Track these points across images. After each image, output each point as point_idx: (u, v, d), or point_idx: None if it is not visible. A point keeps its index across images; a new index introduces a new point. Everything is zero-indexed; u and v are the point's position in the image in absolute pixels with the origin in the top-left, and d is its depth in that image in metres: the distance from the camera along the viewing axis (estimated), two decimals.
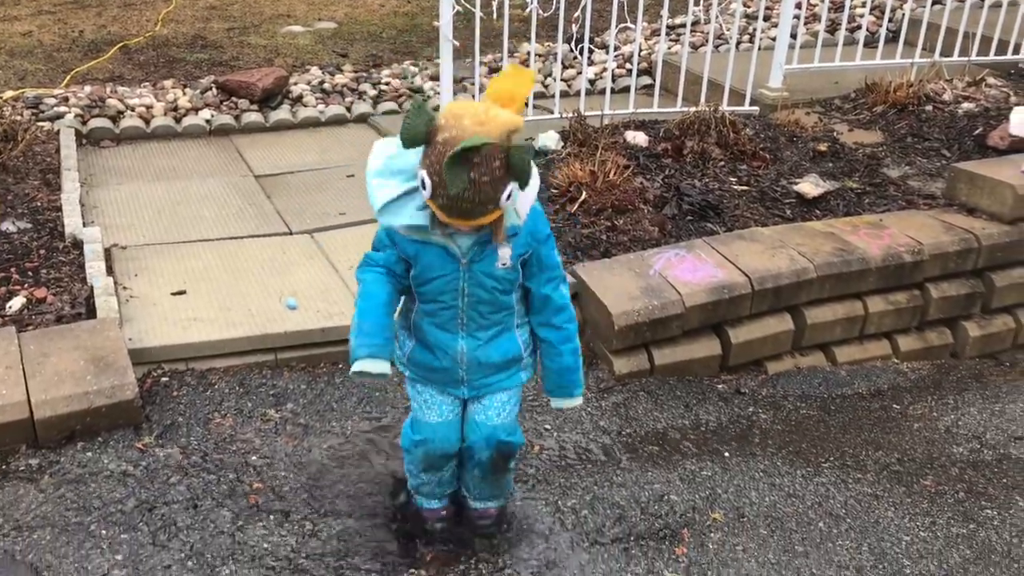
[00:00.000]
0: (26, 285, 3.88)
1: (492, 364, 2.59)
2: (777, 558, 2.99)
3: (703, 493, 3.25)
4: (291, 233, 4.70)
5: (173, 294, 3.94)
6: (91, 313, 3.69)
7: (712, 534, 3.06)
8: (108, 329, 3.43)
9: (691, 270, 4.07)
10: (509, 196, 2.19)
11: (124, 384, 3.18)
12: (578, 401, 2.71)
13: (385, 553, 2.83)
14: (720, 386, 4.02)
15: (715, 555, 2.97)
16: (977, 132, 5.57)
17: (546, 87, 6.88)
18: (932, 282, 4.47)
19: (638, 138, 5.26)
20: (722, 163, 5.18)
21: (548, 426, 3.51)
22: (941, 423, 3.93)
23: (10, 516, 2.82)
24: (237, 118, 6.20)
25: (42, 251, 4.17)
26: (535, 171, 2.33)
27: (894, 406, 4.05)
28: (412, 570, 2.77)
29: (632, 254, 4.23)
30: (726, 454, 3.50)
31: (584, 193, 4.63)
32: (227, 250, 4.43)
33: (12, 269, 4.00)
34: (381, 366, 2.43)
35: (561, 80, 6.70)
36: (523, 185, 2.21)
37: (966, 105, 5.93)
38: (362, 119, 6.46)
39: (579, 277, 4.04)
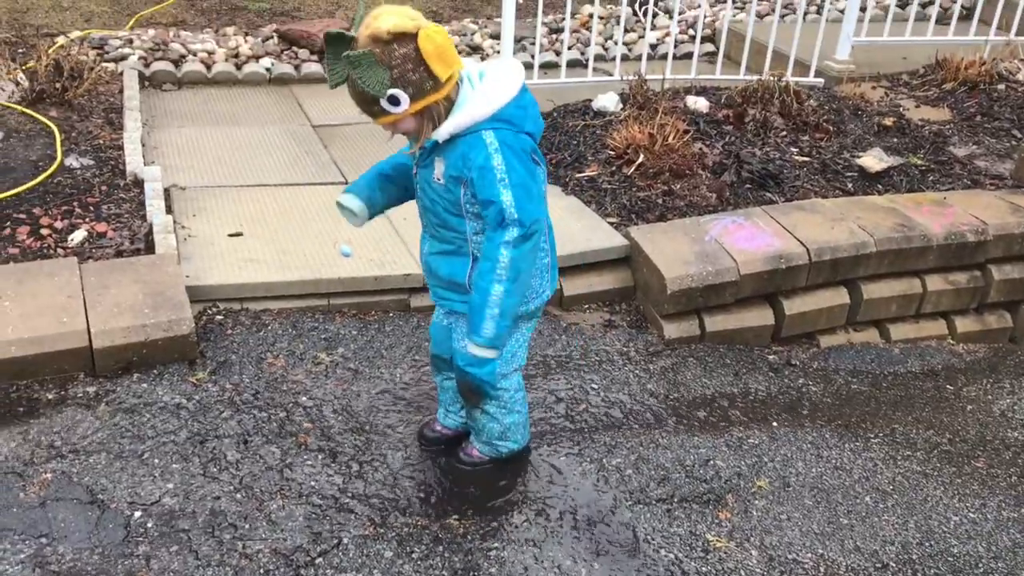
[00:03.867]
0: (87, 219, 3.95)
1: (439, 277, 2.67)
2: (821, 528, 2.96)
3: (749, 460, 3.23)
4: (346, 182, 4.70)
5: (230, 235, 3.98)
6: (150, 249, 3.75)
7: (756, 501, 3.04)
8: (167, 265, 3.48)
9: (748, 238, 4.02)
10: (395, 102, 2.26)
11: (181, 319, 3.23)
12: (475, 350, 2.53)
13: (429, 498, 2.85)
14: (771, 356, 3.98)
15: (758, 522, 2.95)
16: None
17: (606, 50, 6.80)
18: (994, 263, 4.37)
19: (699, 103, 5.19)
20: (784, 133, 5.09)
21: (595, 385, 3.50)
22: (996, 407, 3.85)
23: (68, 440, 2.89)
24: (297, 68, 6.22)
25: (103, 187, 4.23)
26: (480, 97, 2.36)
27: (947, 386, 3.98)
28: (455, 516, 2.79)
29: (688, 219, 4.18)
30: (774, 424, 3.47)
31: (641, 156, 4.58)
32: (284, 196, 4.46)
33: (74, 203, 4.06)
34: (350, 200, 2.71)
35: (622, 44, 6.61)
36: (372, 88, 2.23)
37: None
38: None
39: (633, 239, 4.01)
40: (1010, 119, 5.45)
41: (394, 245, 4.01)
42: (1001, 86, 5.76)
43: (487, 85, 2.39)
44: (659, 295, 3.83)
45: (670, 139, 4.63)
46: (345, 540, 2.62)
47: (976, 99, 5.67)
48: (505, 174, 2.36)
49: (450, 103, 2.37)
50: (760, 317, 3.99)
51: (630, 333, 3.88)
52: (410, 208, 4.37)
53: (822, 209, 4.30)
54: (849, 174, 4.79)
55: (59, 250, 3.73)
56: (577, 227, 4.14)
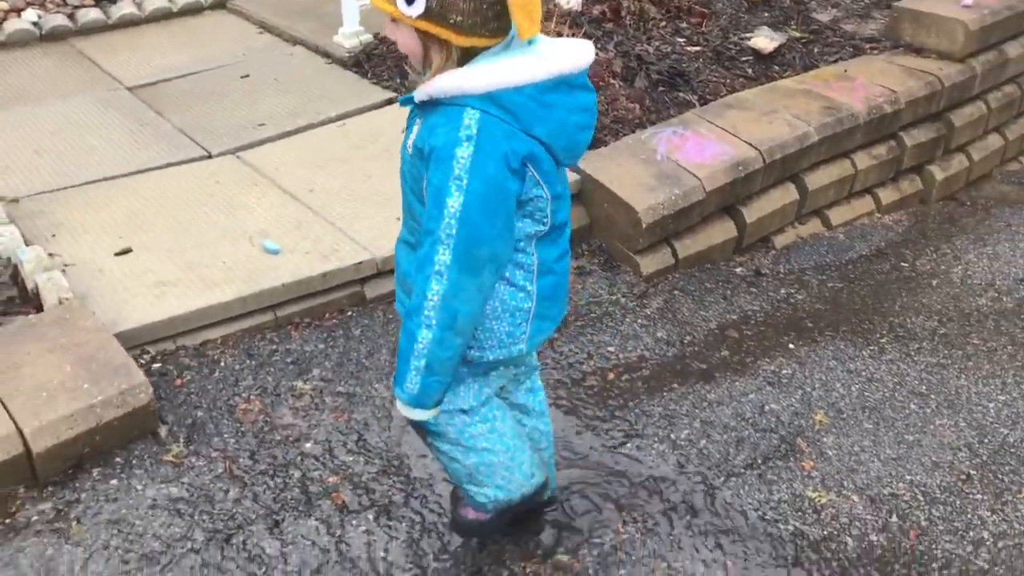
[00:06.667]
0: None
1: (399, 271, 2.07)
2: (896, 452, 2.85)
3: (796, 395, 3.04)
4: (211, 156, 3.94)
5: (117, 254, 3.19)
6: (26, 296, 2.92)
7: (825, 438, 2.87)
8: (79, 318, 2.70)
9: (698, 149, 3.74)
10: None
11: (135, 386, 2.52)
12: (400, 408, 1.97)
13: (522, 538, 2.43)
14: (738, 270, 3.79)
15: (839, 462, 2.79)
16: None
17: None
18: (905, 130, 4.39)
19: (571, 2, 4.76)
20: (663, 23, 4.81)
21: (611, 348, 3.16)
22: (952, 275, 3.91)
23: None
24: (71, 17, 5.12)
25: None
26: (491, 67, 1.72)
27: (902, 264, 3.98)
28: (561, 551, 2.40)
29: (628, 138, 3.84)
30: (790, 346, 3.30)
31: None
32: (146, 188, 3.65)
33: None
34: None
35: None
36: None
37: None
38: (220, 4, 5.53)
39: (583, 172, 3.62)
40: None
41: (320, 226, 3.38)
42: None
43: (515, 56, 1.74)
44: (631, 230, 3.50)
45: None
46: None
47: None
48: (466, 172, 1.72)
49: (468, 57, 1.75)
50: (724, 231, 3.77)
51: (608, 277, 3.53)
52: (304, 177, 3.77)
53: (749, 104, 4.09)
54: (744, 58, 4.60)
55: None
56: None
